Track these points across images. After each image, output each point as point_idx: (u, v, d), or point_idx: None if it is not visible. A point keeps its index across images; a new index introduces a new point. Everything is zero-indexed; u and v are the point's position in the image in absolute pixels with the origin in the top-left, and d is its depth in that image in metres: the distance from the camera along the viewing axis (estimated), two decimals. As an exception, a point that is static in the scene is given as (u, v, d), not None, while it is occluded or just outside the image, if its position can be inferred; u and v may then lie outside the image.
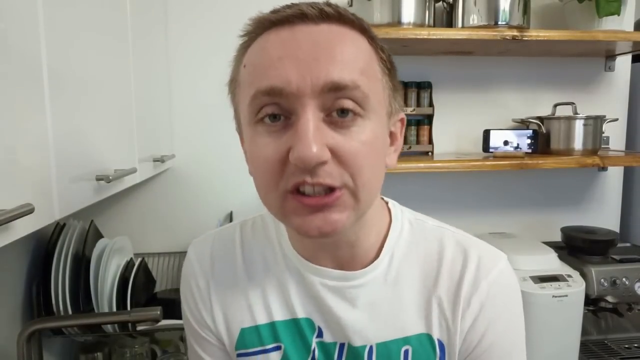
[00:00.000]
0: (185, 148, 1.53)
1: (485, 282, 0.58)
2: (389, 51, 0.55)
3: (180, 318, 1.22)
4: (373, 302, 0.59)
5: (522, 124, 1.60)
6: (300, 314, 0.60)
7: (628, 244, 1.62)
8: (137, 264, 1.24)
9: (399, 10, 1.34)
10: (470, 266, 0.59)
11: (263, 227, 0.66)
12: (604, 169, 1.72)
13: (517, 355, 0.61)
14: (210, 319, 0.63)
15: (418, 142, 1.60)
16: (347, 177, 0.49)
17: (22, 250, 1.11)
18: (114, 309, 1.13)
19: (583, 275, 1.34)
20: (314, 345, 0.60)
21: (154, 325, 1.14)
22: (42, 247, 1.14)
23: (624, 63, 1.69)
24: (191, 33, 1.50)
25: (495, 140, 1.51)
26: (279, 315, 0.61)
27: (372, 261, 0.60)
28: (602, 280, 1.34)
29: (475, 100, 1.64)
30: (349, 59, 0.48)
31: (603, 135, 1.53)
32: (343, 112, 0.48)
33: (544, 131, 1.53)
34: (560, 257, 1.39)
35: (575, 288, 1.27)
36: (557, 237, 1.53)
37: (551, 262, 1.35)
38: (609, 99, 1.69)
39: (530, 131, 1.52)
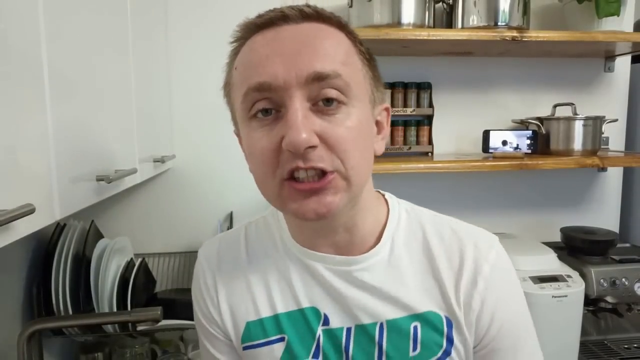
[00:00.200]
0: (186, 148, 1.53)
1: (487, 263, 0.61)
2: (367, 46, 0.59)
3: (180, 318, 1.24)
4: (379, 284, 0.61)
5: (522, 125, 1.61)
6: (305, 303, 0.63)
7: (627, 245, 1.62)
8: (137, 264, 1.24)
9: (398, 11, 1.34)
10: (469, 248, 0.62)
11: (265, 226, 0.70)
12: (603, 169, 1.72)
13: (528, 330, 0.64)
14: (218, 314, 0.66)
15: (418, 142, 1.60)
16: (337, 162, 0.52)
17: (22, 251, 1.11)
18: (114, 309, 1.14)
19: (583, 275, 1.34)
20: (319, 333, 0.62)
21: (154, 325, 1.14)
22: (43, 247, 1.14)
23: (623, 64, 1.69)
24: (191, 33, 1.50)
25: (495, 140, 1.51)
26: (283, 307, 0.63)
27: (372, 247, 0.62)
28: (602, 280, 1.35)
29: (475, 101, 1.64)
30: (330, 51, 0.53)
31: (602, 135, 1.54)
32: (328, 100, 0.52)
33: (544, 132, 1.53)
34: (560, 258, 1.39)
35: (574, 288, 1.27)
36: (557, 237, 1.53)
37: (551, 263, 1.35)
38: (608, 100, 1.69)
39: (530, 132, 1.52)
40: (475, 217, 1.70)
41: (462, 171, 1.46)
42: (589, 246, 1.45)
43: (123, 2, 0.98)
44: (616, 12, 1.41)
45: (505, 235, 1.54)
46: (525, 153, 1.51)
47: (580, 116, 1.51)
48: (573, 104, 1.53)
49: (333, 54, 0.53)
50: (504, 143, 1.51)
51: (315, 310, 0.62)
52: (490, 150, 1.51)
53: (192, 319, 1.23)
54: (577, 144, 1.50)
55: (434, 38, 1.33)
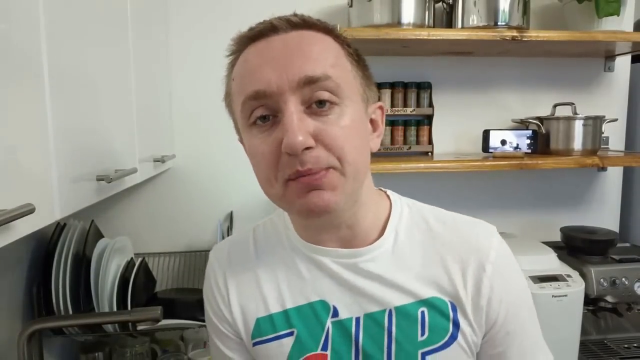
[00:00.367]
0: (186, 148, 1.53)
1: (492, 249, 0.64)
2: (356, 48, 0.62)
3: (180, 318, 1.24)
4: (385, 272, 0.63)
5: (522, 124, 1.61)
6: (314, 297, 0.65)
7: (627, 244, 1.62)
8: (137, 263, 1.24)
9: (398, 10, 1.34)
10: (473, 236, 0.65)
11: (272, 226, 0.73)
12: (603, 169, 1.72)
13: (532, 314, 0.67)
14: (229, 312, 0.68)
15: (418, 142, 1.60)
16: (333, 159, 0.55)
17: (22, 250, 1.11)
18: (115, 309, 1.14)
19: (582, 275, 1.34)
20: (328, 325, 0.64)
21: (154, 325, 1.14)
22: (43, 247, 1.15)
23: (623, 63, 1.69)
24: (192, 33, 1.50)
25: (495, 140, 1.51)
26: (292, 302, 0.65)
27: (376, 239, 0.65)
28: (602, 280, 1.35)
29: (474, 101, 1.64)
30: (319, 56, 0.56)
31: (602, 135, 1.54)
32: (321, 102, 0.55)
33: (544, 131, 1.53)
34: (560, 257, 1.39)
35: (574, 288, 1.27)
36: (557, 237, 1.54)
37: (551, 262, 1.35)
38: (608, 100, 1.69)
39: (530, 131, 1.52)
40: (475, 216, 1.69)
41: (462, 171, 1.46)
42: (589, 246, 1.45)
43: (123, 2, 0.98)
44: (616, 12, 1.41)
45: (505, 235, 1.52)
46: (525, 153, 1.51)
47: (580, 116, 1.51)
48: (573, 104, 1.53)
49: (322, 57, 0.56)
50: (504, 143, 1.51)
51: (324, 303, 0.64)
52: (490, 150, 1.51)
53: (191, 318, 1.24)
54: (577, 144, 1.50)
55: (434, 38, 1.33)
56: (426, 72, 1.61)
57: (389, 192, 0.71)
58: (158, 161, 1.20)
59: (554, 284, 1.27)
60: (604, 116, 1.52)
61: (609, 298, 1.35)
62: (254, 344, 0.66)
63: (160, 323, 1.09)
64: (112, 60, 0.92)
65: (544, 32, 1.38)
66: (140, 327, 1.19)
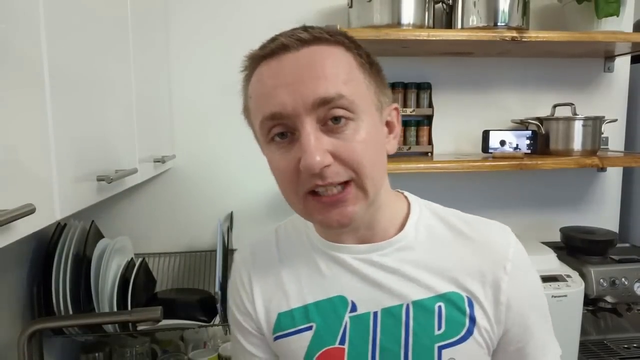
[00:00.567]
0: (186, 148, 1.53)
1: (510, 247, 0.66)
2: (367, 52, 0.63)
3: (180, 318, 1.24)
4: (403, 267, 0.65)
5: (522, 125, 1.61)
6: (333, 292, 0.67)
7: (627, 244, 1.62)
8: (137, 264, 1.24)
9: (398, 11, 1.34)
10: (492, 235, 0.68)
11: (293, 226, 0.76)
12: (603, 169, 1.72)
13: (546, 307, 0.69)
14: (252, 308, 0.71)
15: (418, 142, 1.60)
16: (351, 173, 0.57)
17: (23, 251, 1.11)
18: (115, 309, 1.14)
19: (582, 275, 1.34)
20: (346, 320, 0.66)
21: (155, 325, 1.15)
22: (43, 247, 1.15)
23: (623, 64, 1.69)
24: (192, 34, 1.51)
25: (495, 140, 1.51)
26: (312, 297, 0.68)
27: (395, 235, 0.67)
28: (602, 280, 1.35)
29: (474, 101, 1.64)
30: (330, 74, 0.57)
31: (602, 135, 1.54)
32: (336, 119, 0.57)
33: (543, 132, 1.53)
34: (560, 258, 1.39)
35: (574, 288, 1.28)
36: (557, 237, 1.54)
37: (550, 263, 1.36)
38: (608, 100, 1.69)
39: (530, 132, 1.52)
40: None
41: (462, 171, 1.46)
42: (588, 246, 1.45)
43: (123, 2, 0.99)
44: (615, 13, 1.41)
45: (505, 235, 1.53)
46: (525, 153, 1.51)
47: (579, 116, 1.51)
48: (573, 104, 1.54)
49: (334, 75, 0.57)
50: (504, 143, 1.51)
51: (343, 299, 0.66)
52: (490, 151, 1.51)
53: (191, 318, 1.25)
54: (577, 144, 1.50)
55: (434, 38, 1.33)
56: (426, 73, 1.61)
57: (406, 193, 0.73)
58: (158, 161, 1.20)
59: (554, 284, 1.27)
60: (603, 116, 1.52)
61: (608, 298, 1.35)
62: (275, 338, 0.69)
63: (160, 323, 1.10)
64: (113, 60, 0.92)
65: (544, 33, 1.38)
66: (140, 327, 1.19)
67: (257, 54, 0.61)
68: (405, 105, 1.58)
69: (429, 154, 1.60)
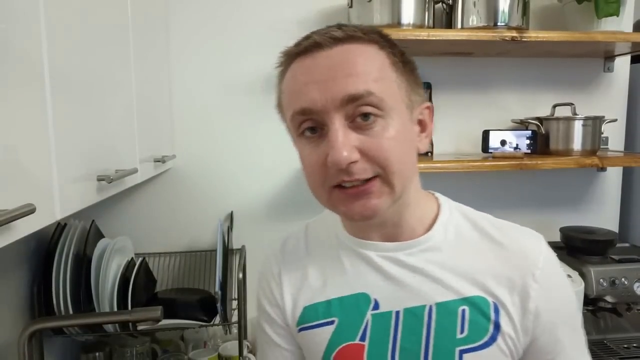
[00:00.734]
0: (186, 148, 1.53)
1: (541, 255, 0.66)
2: (402, 50, 0.63)
3: (180, 318, 1.24)
4: (428, 267, 0.65)
5: (522, 125, 1.61)
6: (357, 289, 0.68)
7: (627, 244, 1.62)
8: (137, 263, 1.24)
9: (398, 11, 1.34)
10: (523, 242, 0.67)
11: (322, 223, 0.78)
12: (603, 169, 1.72)
13: (579, 321, 0.68)
14: (281, 299, 0.74)
15: (418, 142, 1.60)
16: (378, 169, 0.58)
17: (23, 250, 1.11)
18: (115, 309, 1.14)
19: (582, 275, 1.34)
20: (368, 317, 0.66)
21: (155, 325, 1.15)
22: (43, 247, 1.15)
23: (623, 64, 1.69)
24: (192, 34, 1.51)
25: (495, 140, 1.51)
26: (336, 293, 0.69)
27: (422, 235, 0.67)
28: (601, 280, 1.35)
29: (474, 101, 1.65)
30: (361, 72, 0.57)
31: (602, 135, 1.54)
32: (365, 116, 0.58)
33: (543, 132, 1.54)
34: (559, 257, 1.35)
35: (574, 288, 1.27)
36: (556, 237, 1.54)
37: (550, 262, 1.35)
38: (608, 100, 1.69)
39: (530, 132, 1.52)
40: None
41: (462, 171, 1.47)
42: (588, 246, 1.45)
43: (124, 2, 0.99)
44: (615, 13, 1.42)
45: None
46: (525, 153, 1.51)
47: (579, 116, 1.51)
48: (572, 104, 1.54)
49: (365, 73, 0.57)
50: (504, 143, 1.52)
51: (366, 296, 0.67)
52: (490, 150, 1.51)
53: (192, 318, 1.25)
54: (577, 144, 1.50)
55: (434, 38, 1.33)
56: (426, 73, 1.61)
57: (437, 194, 0.74)
58: (158, 161, 1.20)
59: (554, 284, 1.27)
60: (603, 116, 1.52)
61: (608, 298, 1.35)
62: (299, 330, 0.71)
63: (160, 323, 1.09)
64: (113, 60, 0.92)
65: (544, 33, 1.39)
66: (140, 327, 1.19)
67: (291, 51, 0.62)
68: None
69: (429, 153, 1.60)
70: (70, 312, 1.09)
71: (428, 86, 1.59)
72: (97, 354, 1.31)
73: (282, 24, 1.53)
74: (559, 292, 0.66)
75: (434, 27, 1.44)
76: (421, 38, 1.32)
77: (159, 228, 1.54)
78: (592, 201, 1.73)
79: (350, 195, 0.60)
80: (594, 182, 1.73)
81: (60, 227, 1.15)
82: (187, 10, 1.50)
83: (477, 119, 1.63)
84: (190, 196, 1.55)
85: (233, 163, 1.55)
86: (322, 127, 0.59)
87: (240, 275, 1.24)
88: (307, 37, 0.61)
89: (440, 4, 1.50)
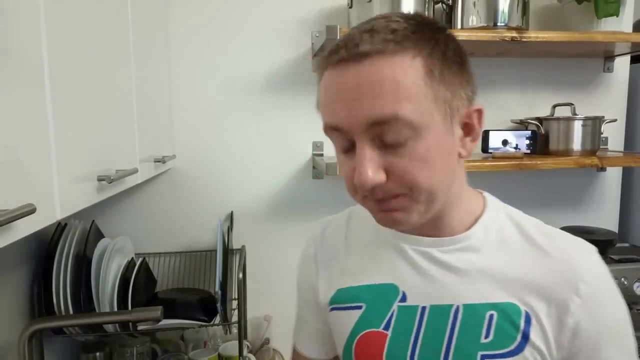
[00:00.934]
0: (186, 148, 1.53)
1: (589, 269, 0.61)
2: (446, 49, 0.58)
3: (180, 318, 1.24)
4: (462, 268, 0.64)
5: (521, 125, 1.61)
6: (387, 279, 0.68)
7: (627, 244, 1.62)
8: (138, 263, 1.24)
9: (398, 11, 1.34)
10: (571, 253, 0.63)
11: (364, 210, 0.76)
12: (602, 169, 1.72)
13: (631, 346, 0.63)
14: (315, 279, 0.77)
15: (417, 142, 1.60)
16: (404, 189, 0.57)
17: (23, 250, 1.11)
18: (115, 309, 1.14)
19: (582, 275, 1.34)
20: (394, 308, 0.67)
21: (155, 325, 1.15)
22: (44, 247, 1.15)
23: (622, 64, 1.69)
24: (192, 33, 1.51)
25: (494, 140, 1.51)
26: (366, 280, 0.70)
27: (460, 234, 0.66)
28: (601, 280, 1.35)
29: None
30: (388, 92, 0.54)
31: (602, 135, 1.54)
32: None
33: (543, 132, 1.54)
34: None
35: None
36: (556, 237, 1.53)
37: (550, 262, 1.36)
38: (607, 100, 1.70)
39: (529, 132, 1.52)
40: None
41: (462, 171, 1.46)
42: (588, 246, 1.45)
43: (123, 2, 0.99)
44: (615, 13, 1.42)
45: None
46: (525, 153, 1.51)
47: (579, 116, 1.51)
48: (572, 104, 1.54)
49: (392, 93, 0.54)
50: (504, 143, 1.52)
51: (395, 287, 0.67)
52: (490, 151, 1.51)
53: (192, 318, 1.25)
54: (577, 144, 1.50)
55: (434, 38, 1.33)
56: (426, 73, 1.60)
57: (485, 194, 0.72)
58: (158, 161, 1.20)
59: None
60: (603, 117, 1.53)
61: (608, 298, 1.35)
62: (331, 310, 0.73)
63: (160, 323, 1.10)
64: (113, 60, 0.92)
65: (544, 33, 1.39)
66: (140, 327, 1.19)
67: (324, 60, 0.60)
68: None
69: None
70: (71, 312, 1.09)
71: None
72: (97, 354, 1.32)
73: (282, 24, 1.53)
74: (607, 311, 0.61)
75: (433, 27, 1.44)
76: (421, 38, 1.32)
77: (159, 228, 1.54)
78: (592, 201, 1.73)
79: (377, 206, 0.60)
80: (593, 182, 1.73)
81: (60, 227, 1.15)
82: (187, 10, 1.50)
83: (477, 119, 1.63)
84: (190, 196, 1.55)
85: (233, 163, 1.56)
86: (353, 144, 0.58)
87: (240, 275, 1.24)
88: (336, 49, 0.58)
89: (440, 4, 1.50)
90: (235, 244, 1.53)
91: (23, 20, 0.56)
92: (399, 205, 0.58)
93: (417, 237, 0.67)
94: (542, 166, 1.44)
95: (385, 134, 0.55)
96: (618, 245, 1.50)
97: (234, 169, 1.56)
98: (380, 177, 0.56)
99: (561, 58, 1.65)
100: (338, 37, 1.28)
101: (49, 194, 0.61)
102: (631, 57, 1.69)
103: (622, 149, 1.72)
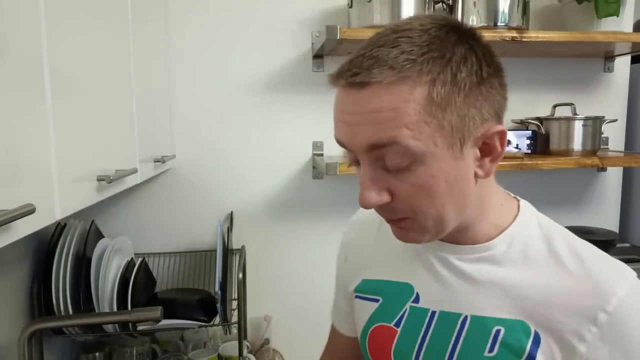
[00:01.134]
0: (186, 148, 1.53)
1: (615, 298, 0.56)
2: (463, 67, 0.54)
3: (179, 318, 1.24)
4: (478, 278, 0.63)
5: (522, 125, 1.61)
6: (404, 279, 0.70)
7: (627, 244, 1.62)
8: (137, 264, 1.24)
9: (398, 11, 1.34)
10: (599, 277, 0.58)
11: None
12: (603, 169, 1.72)
13: None
14: (345, 265, 0.81)
15: (418, 142, 1.60)
16: (409, 212, 0.58)
17: (23, 250, 1.11)
18: (115, 309, 1.14)
19: (582, 275, 1.34)
20: (406, 307, 0.68)
21: (155, 325, 1.15)
22: (43, 247, 1.15)
23: (623, 64, 1.69)
24: (192, 33, 1.51)
25: (495, 140, 1.51)
26: (386, 276, 0.72)
27: (481, 244, 0.64)
28: (601, 280, 1.34)
29: (474, 101, 1.64)
30: (387, 119, 0.53)
31: (602, 135, 1.54)
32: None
33: (544, 132, 1.53)
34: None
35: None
36: (557, 237, 1.53)
37: (550, 263, 1.35)
38: (608, 100, 1.69)
39: (530, 132, 1.52)
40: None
41: (462, 171, 1.46)
42: (588, 246, 1.44)
43: (123, 2, 0.99)
44: (615, 13, 1.42)
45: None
46: (525, 153, 1.51)
47: (579, 116, 1.51)
48: (573, 104, 1.54)
49: (392, 120, 0.52)
50: (504, 143, 1.51)
51: (410, 287, 0.69)
52: (490, 151, 1.51)
53: (191, 318, 1.25)
54: (577, 144, 1.50)
55: (434, 38, 1.33)
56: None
57: (522, 202, 0.69)
58: (158, 161, 1.20)
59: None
60: (603, 116, 1.52)
61: (608, 298, 1.35)
62: (355, 297, 0.76)
63: (160, 323, 1.10)
64: (113, 60, 0.92)
65: (544, 33, 1.38)
66: (140, 327, 1.19)
67: (331, 79, 0.58)
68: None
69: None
70: (70, 312, 1.09)
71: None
72: (97, 354, 1.31)
73: (282, 24, 1.53)
74: (632, 346, 0.55)
75: (434, 27, 1.44)
76: (421, 38, 1.32)
77: (159, 228, 1.54)
78: (592, 201, 1.73)
79: (391, 222, 0.61)
80: (594, 182, 1.73)
81: (60, 227, 1.15)
82: (187, 10, 1.50)
83: (477, 119, 1.63)
84: (190, 196, 1.55)
85: (233, 163, 1.55)
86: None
87: (240, 276, 1.24)
88: (341, 72, 0.56)
89: (440, 4, 1.50)
90: (235, 244, 1.53)
91: (23, 20, 0.56)
92: (409, 227, 0.59)
93: (438, 242, 0.65)
94: (543, 166, 1.44)
95: (386, 157, 0.55)
96: (618, 245, 1.50)
97: (234, 169, 1.56)
98: (383, 198, 0.56)
99: (561, 58, 1.65)
100: (338, 37, 1.28)
101: (49, 194, 0.61)
102: (631, 57, 1.69)
103: (622, 149, 1.72)
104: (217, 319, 1.26)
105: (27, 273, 1.12)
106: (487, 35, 1.35)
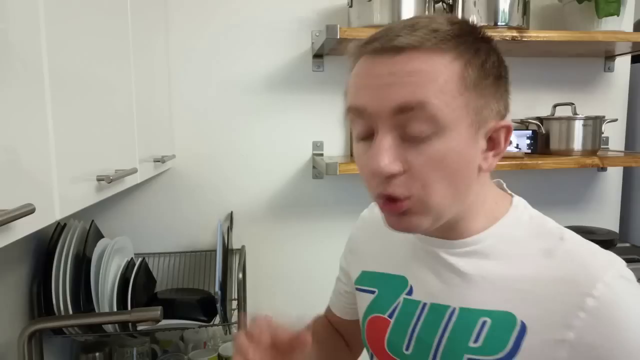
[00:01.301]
0: (186, 148, 1.53)
1: (602, 284, 0.56)
2: (486, 59, 0.57)
3: (179, 318, 1.24)
4: (466, 271, 0.64)
5: (522, 125, 1.61)
6: (399, 271, 0.72)
7: (627, 244, 1.62)
8: (137, 264, 1.24)
9: (398, 11, 1.34)
10: (586, 265, 0.58)
11: None
12: (603, 169, 1.72)
13: None
14: (350, 256, 0.84)
15: (418, 142, 1.60)
16: (417, 189, 0.56)
17: (23, 251, 1.11)
18: (115, 309, 1.14)
19: (582, 275, 1.34)
20: (400, 299, 0.70)
21: (155, 325, 1.15)
22: (43, 247, 1.15)
23: (623, 64, 1.69)
24: (191, 33, 1.50)
25: (495, 140, 1.51)
26: (383, 268, 0.75)
27: (469, 237, 0.65)
28: (602, 280, 1.34)
29: (474, 101, 1.64)
30: (419, 82, 0.54)
31: (602, 135, 1.54)
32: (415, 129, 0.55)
33: (544, 131, 1.53)
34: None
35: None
36: (557, 237, 1.53)
37: (550, 262, 1.35)
38: (608, 100, 1.69)
39: (530, 131, 1.52)
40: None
41: (462, 171, 1.46)
42: (588, 246, 1.44)
43: (123, 2, 0.99)
44: (616, 12, 1.41)
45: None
46: (525, 153, 1.51)
47: (580, 116, 1.51)
48: (573, 104, 1.54)
49: (422, 84, 0.54)
50: (504, 143, 1.51)
51: (404, 280, 0.71)
52: (490, 150, 1.51)
53: (191, 318, 1.25)
54: (577, 144, 1.50)
55: (434, 38, 1.33)
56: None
57: (516, 198, 0.69)
58: (158, 161, 1.20)
59: (554, 284, 1.27)
60: (603, 116, 1.52)
61: (608, 298, 1.35)
62: (356, 289, 0.79)
63: (160, 323, 1.09)
64: (113, 60, 0.92)
65: (544, 32, 1.38)
66: (140, 327, 1.19)
67: (358, 48, 0.59)
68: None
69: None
70: (70, 312, 1.09)
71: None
72: (97, 354, 1.31)
73: (282, 24, 1.53)
74: (620, 332, 0.54)
75: (434, 27, 1.44)
76: (421, 38, 1.32)
77: (159, 228, 1.54)
78: (592, 201, 1.73)
79: (387, 210, 0.59)
80: (594, 182, 1.73)
81: (60, 227, 1.15)
82: (186, 10, 1.50)
83: (478, 119, 1.63)
84: (190, 196, 1.55)
85: (233, 163, 1.55)
86: (373, 133, 0.57)
87: (240, 276, 1.24)
88: (374, 38, 0.57)
89: (441, 3, 1.50)
90: (235, 244, 1.52)
91: (23, 20, 0.56)
92: (409, 208, 0.57)
93: (431, 237, 0.67)
94: (543, 166, 1.43)
95: (408, 124, 0.54)
96: (619, 245, 1.50)
97: (234, 169, 1.56)
98: (396, 166, 0.55)
99: (562, 57, 1.65)
100: (338, 37, 1.28)
101: (49, 194, 0.61)
102: (632, 57, 1.69)
103: (622, 148, 1.72)
104: (217, 319, 1.26)
105: (27, 273, 1.12)
106: (488, 35, 1.35)
